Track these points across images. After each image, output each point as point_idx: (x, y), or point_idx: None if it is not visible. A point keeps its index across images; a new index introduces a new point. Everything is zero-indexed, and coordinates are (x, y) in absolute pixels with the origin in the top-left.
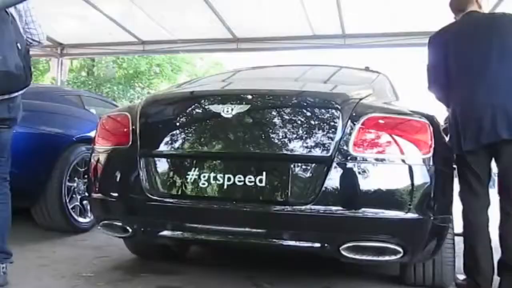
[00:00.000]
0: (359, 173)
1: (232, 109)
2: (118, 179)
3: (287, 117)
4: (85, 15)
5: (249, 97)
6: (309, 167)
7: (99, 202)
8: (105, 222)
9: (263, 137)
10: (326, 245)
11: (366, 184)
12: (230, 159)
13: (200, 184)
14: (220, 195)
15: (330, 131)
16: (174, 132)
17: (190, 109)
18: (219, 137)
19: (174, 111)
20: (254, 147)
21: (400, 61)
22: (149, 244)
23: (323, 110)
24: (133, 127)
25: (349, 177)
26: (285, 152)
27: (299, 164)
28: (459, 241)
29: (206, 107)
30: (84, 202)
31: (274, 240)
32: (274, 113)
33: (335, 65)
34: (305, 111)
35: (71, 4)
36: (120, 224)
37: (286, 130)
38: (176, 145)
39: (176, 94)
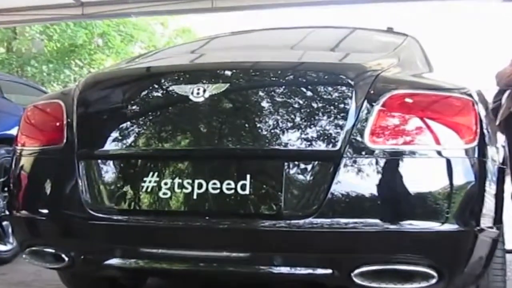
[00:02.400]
0: (378, 172)
1: (204, 91)
2: (49, 190)
3: (279, 100)
4: None
5: (228, 73)
6: (309, 167)
7: (23, 222)
8: (33, 248)
9: (247, 128)
10: (333, 270)
11: (387, 186)
12: (201, 159)
13: (161, 195)
14: (187, 209)
15: (339, 117)
16: (125, 124)
17: (146, 92)
18: (186, 129)
19: (124, 95)
20: (234, 141)
21: (433, 18)
22: (92, 276)
23: (329, 88)
24: (69, 119)
25: (364, 179)
26: (276, 147)
27: (296, 163)
28: None
29: (169, 88)
30: (4, 223)
31: (262, 267)
32: (261, 94)
33: (346, 26)
34: (304, 90)
35: None
36: (52, 251)
37: (278, 118)
38: (128, 141)
39: (127, 72)
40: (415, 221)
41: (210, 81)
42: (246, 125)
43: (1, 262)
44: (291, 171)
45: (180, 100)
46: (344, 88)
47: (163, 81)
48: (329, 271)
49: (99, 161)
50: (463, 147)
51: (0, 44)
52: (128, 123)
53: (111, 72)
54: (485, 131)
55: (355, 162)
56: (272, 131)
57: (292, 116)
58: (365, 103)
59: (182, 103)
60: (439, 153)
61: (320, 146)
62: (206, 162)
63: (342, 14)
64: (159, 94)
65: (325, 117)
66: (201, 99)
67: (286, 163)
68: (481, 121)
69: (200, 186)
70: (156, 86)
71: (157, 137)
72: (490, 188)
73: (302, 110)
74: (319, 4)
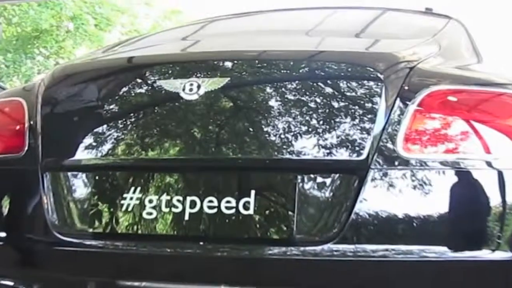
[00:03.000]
0: (413, 187)
1: (198, 86)
2: (6, 209)
3: (291, 98)
4: None
5: (228, 64)
6: (328, 181)
7: None
8: None
9: (251, 133)
10: None
11: (424, 205)
12: (194, 171)
13: (145, 215)
14: (177, 232)
15: (365, 119)
16: (101, 128)
17: (126, 88)
18: (176, 134)
19: (99, 92)
20: (235, 149)
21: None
22: None
23: (352, 84)
24: (31, 122)
25: (396, 195)
26: (287, 156)
27: (312, 176)
28: None
29: (155, 83)
30: None
31: None
32: (269, 91)
33: (375, 6)
34: (322, 86)
35: None
36: (11, 283)
37: (289, 120)
38: (104, 149)
39: (103, 63)
40: (458, 248)
41: (206, 75)
42: (250, 129)
43: None
44: (306, 186)
45: (169, 98)
46: (371, 83)
47: (147, 74)
48: None
49: (69, 173)
50: None
51: None
52: (105, 126)
53: (84, 63)
54: None
55: (384, 174)
56: (283, 136)
57: (307, 118)
58: (398, 101)
59: (171, 102)
60: (489, 164)
61: (342, 155)
62: (201, 175)
63: None
64: (143, 91)
65: (347, 119)
66: (195, 97)
67: (299, 176)
68: None
69: (193, 204)
70: (139, 81)
71: (141, 144)
72: None
73: (320, 111)
74: None
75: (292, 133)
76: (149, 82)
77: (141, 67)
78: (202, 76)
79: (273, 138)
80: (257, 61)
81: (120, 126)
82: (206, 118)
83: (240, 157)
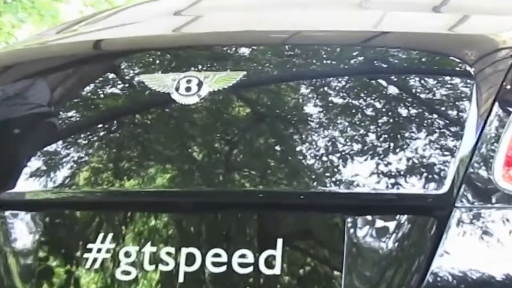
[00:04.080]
0: None
1: (198, 84)
2: None
3: (336, 102)
4: None
5: (242, 52)
6: (391, 225)
7: None
8: None
9: (277, 154)
10: None
11: None
12: (192, 211)
13: (119, 275)
14: None
15: (447, 133)
16: (53, 146)
17: (93, 86)
18: (165, 155)
19: (52, 94)
20: (252, 179)
21: None
22: None
23: (429, 81)
24: None
25: (493, 247)
26: (331, 188)
27: (368, 219)
28: None
29: (135, 79)
30: None
31: None
32: (304, 91)
33: None
34: (382, 84)
35: None
36: None
37: (334, 135)
38: (59, 178)
39: (58, 50)
40: None
41: (211, 67)
42: (276, 148)
43: None
44: (358, 234)
45: (156, 102)
46: (456, 80)
47: (124, 67)
48: None
49: (6, 212)
50: None
51: None
52: (60, 143)
53: (28, 50)
54: None
55: (476, 216)
56: (324, 159)
57: (361, 133)
58: (496, 107)
59: (158, 107)
60: None
61: (412, 187)
62: (202, 216)
63: None
64: (118, 92)
65: (420, 134)
66: (194, 100)
67: (349, 219)
68: None
69: (190, 259)
70: (112, 77)
71: (114, 170)
72: None
73: (379, 122)
74: None
75: (338, 155)
76: (126, 78)
77: (114, 55)
78: (204, 69)
79: (310, 161)
80: (286, 47)
81: (83, 142)
82: (210, 131)
83: (260, 189)
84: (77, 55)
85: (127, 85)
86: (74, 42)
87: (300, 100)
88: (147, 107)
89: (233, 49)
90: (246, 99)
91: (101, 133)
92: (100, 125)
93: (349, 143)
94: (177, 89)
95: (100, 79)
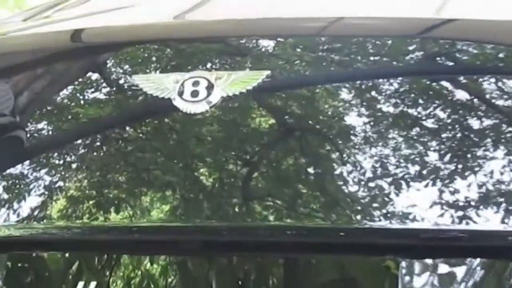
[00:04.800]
0: None
1: (208, 87)
2: None
3: (388, 110)
4: None
5: (266, 45)
6: (460, 271)
7: None
8: None
9: (310, 179)
10: None
11: None
12: (200, 252)
13: None
14: None
15: None
16: (20, 166)
17: (70, 89)
18: (165, 179)
19: (17, 98)
20: (277, 211)
21: None
22: None
23: (510, 83)
24: None
25: None
26: (380, 223)
27: (428, 263)
28: None
29: (124, 81)
30: None
31: None
32: (345, 96)
33: None
34: (449, 85)
35: None
36: None
37: (383, 152)
38: (24, 209)
39: (25, 42)
40: None
41: (224, 65)
42: (309, 171)
43: None
44: (416, 282)
45: (153, 110)
46: None
47: (111, 64)
48: None
49: None
50: None
51: None
52: (28, 163)
53: None
54: None
55: None
56: (370, 185)
57: (419, 150)
58: None
59: (156, 117)
60: None
61: (487, 222)
62: (211, 260)
63: None
64: (103, 97)
65: (498, 152)
66: (201, 108)
67: (404, 263)
68: None
69: None
70: (96, 78)
71: (97, 200)
72: None
73: (443, 136)
74: None
75: (390, 179)
76: (113, 79)
77: (98, 50)
78: (216, 67)
79: (353, 188)
80: (323, 39)
81: (58, 163)
82: (223, 149)
83: (288, 225)
84: (50, 49)
85: (114, 88)
86: (46, 33)
87: (341, 109)
88: (141, 118)
89: (254, 40)
90: (271, 107)
91: (81, 151)
92: (79, 141)
93: (404, 164)
94: (180, 93)
95: (80, 80)
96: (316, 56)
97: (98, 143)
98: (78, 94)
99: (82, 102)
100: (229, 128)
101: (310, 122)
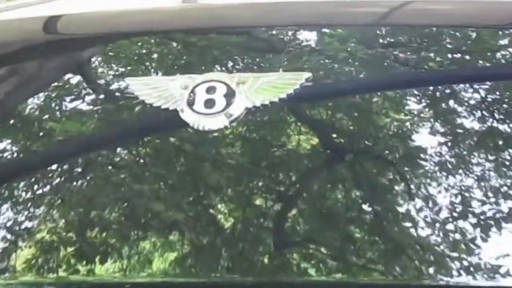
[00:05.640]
0: None
1: (228, 96)
2: None
3: (477, 124)
4: None
5: (307, 37)
6: None
7: None
8: None
9: (364, 218)
10: None
11: None
12: None
13: None
14: None
15: None
16: None
17: (43, 96)
18: (168, 220)
19: None
20: (321, 262)
21: None
22: None
23: None
24: None
25: None
26: (465, 279)
27: None
28: None
29: (116, 87)
30: None
31: None
32: (412, 105)
33: None
34: None
35: None
36: None
37: (468, 181)
38: None
39: None
40: None
41: (248, 65)
42: (365, 208)
43: None
44: None
45: (154, 125)
46: None
47: (98, 63)
48: None
49: None
50: None
51: None
52: None
53: None
54: None
55: None
56: (449, 228)
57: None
58: None
59: (158, 135)
60: None
61: None
62: None
63: None
64: (85, 106)
65: None
66: (218, 122)
67: None
68: None
69: None
70: (78, 82)
71: (81, 246)
72: None
73: None
74: None
75: (472, 217)
76: (98, 81)
77: (81, 45)
78: (237, 68)
79: (422, 231)
80: (385, 28)
81: (23, 193)
82: (249, 177)
83: (336, 280)
84: (20, 42)
85: (101, 95)
86: (14, 20)
87: (408, 123)
88: (137, 136)
89: (288, 32)
90: (313, 121)
91: (56, 179)
92: (53, 166)
93: (494, 199)
94: (190, 103)
95: (54, 85)
96: (374, 53)
97: (78, 169)
98: (50, 103)
99: (56, 113)
100: (255, 150)
101: (366, 141)
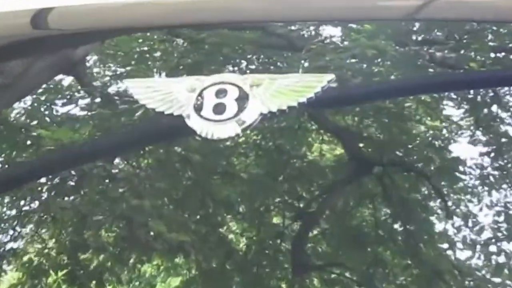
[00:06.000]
0: None
1: (240, 100)
2: None
3: None
4: None
5: (331, 33)
6: None
7: None
8: None
9: (399, 246)
10: None
11: None
12: None
13: None
14: None
15: None
16: None
17: (26, 100)
18: (174, 245)
19: None
20: None
21: None
22: None
23: None
24: None
25: None
26: None
27: None
28: None
29: (113, 90)
30: None
31: None
32: (464, 112)
33: None
34: None
35: None
36: None
37: None
38: None
39: None
40: None
41: (263, 64)
42: (393, 224)
43: None
44: None
45: (155, 134)
46: None
47: (89, 61)
48: None
49: None
50: None
51: None
52: None
53: None
54: None
55: None
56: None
57: None
58: None
59: (161, 146)
60: None
61: None
62: None
63: None
64: (78, 111)
65: None
66: (232, 130)
67: None
68: None
69: None
70: (69, 84)
71: (74, 272)
72: None
73: None
74: None
75: None
76: (92, 82)
77: (66, 37)
78: (251, 67)
79: (462, 255)
80: (423, 24)
81: (9, 214)
82: (265, 195)
83: None
84: (4, 38)
85: (96, 99)
86: None
87: (445, 131)
88: (137, 146)
89: (311, 25)
90: (335, 128)
91: (43, 193)
92: (43, 180)
93: None
94: (197, 108)
95: (44, 87)
96: (406, 50)
97: (70, 183)
98: (39, 107)
99: (46, 119)
100: (271, 162)
101: (397, 151)
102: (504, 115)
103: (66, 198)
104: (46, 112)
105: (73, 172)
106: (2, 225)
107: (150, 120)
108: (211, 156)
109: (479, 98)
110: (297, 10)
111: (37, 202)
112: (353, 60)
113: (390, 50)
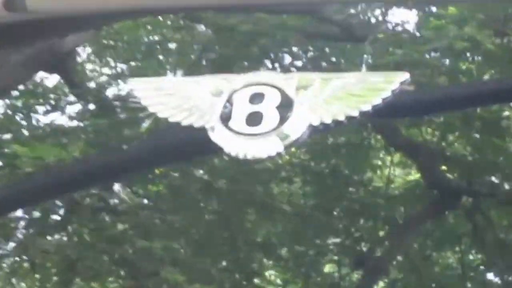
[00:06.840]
0: None
1: (283, 108)
2: None
3: None
4: None
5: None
6: None
7: None
8: None
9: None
10: None
11: None
12: None
13: None
14: None
15: None
16: None
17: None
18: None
19: None
20: None
21: None
22: None
23: None
24: None
25: None
26: None
27: None
28: None
29: (117, 95)
30: None
31: None
32: None
33: None
34: None
35: None
36: None
37: None
38: None
39: None
40: None
41: (309, 62)
42: (486, 274)
43: None
44: None
45: (171, 151)
46: None
47: (84, 56)
48: None
49: None
50: None
51: None
52: None
53: None
54: None
55: None
56: None
57: None
58: None
59: (179, 167)
60: None
61: None
62: None
63: None
64: (71, 121)
65: None
66: (271, 148)
67: None
68: None
69: None
70: (57, 84)
71: None
72: None
73: None
74: None
75: None
76: (89, 84)
77: (51, 23)
78: (294, 65)
79: None
80: None
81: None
82: (317, 228)
83: None
84: None
85: (92, 105)
86: None
87: None
88: (147, 165)
89: (374, 10)
90: (408, 146)
91: (23, 230)
92: (19, 213)
93: None
94: (225, 118)
95: (21, 90)
96: (508, 43)
97: (52, 216)
98: (13, 115)
99: (19, 131)
100: (324, 189)
101: (490, 176)
102: None
103: (49, 238)
104: (24, 122)
105: (58, 203)
106: None
107: (162, 134)
108: (243, 182)
109: None
110: None
111: (11, 243)
112: (434, 55)
113: (485, 41)
